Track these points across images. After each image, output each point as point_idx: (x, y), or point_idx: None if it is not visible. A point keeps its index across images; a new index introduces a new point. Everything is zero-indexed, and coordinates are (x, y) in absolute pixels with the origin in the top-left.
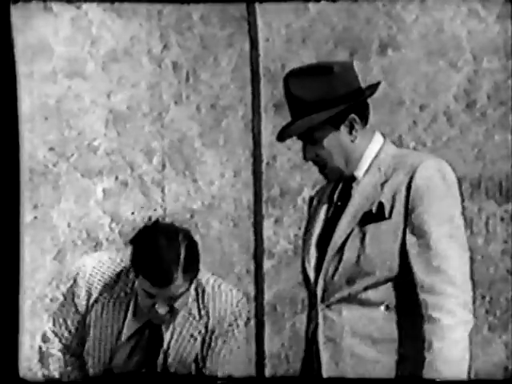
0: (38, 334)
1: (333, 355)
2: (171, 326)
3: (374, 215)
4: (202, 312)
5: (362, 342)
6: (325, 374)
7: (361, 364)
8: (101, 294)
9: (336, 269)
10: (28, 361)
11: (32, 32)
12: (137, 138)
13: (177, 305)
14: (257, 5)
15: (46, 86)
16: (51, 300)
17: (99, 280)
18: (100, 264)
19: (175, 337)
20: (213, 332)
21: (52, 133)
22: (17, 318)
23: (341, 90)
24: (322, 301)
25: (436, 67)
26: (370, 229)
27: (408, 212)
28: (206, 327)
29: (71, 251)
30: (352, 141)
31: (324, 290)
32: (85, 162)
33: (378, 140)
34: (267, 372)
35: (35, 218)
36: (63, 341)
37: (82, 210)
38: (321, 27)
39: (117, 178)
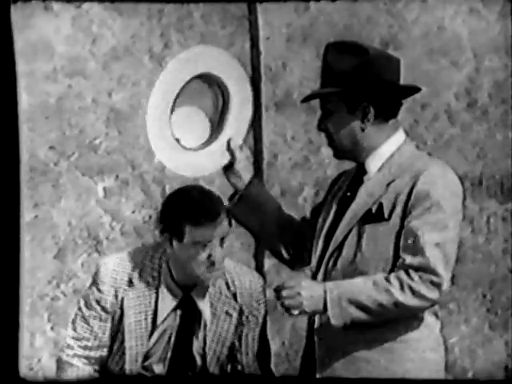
0: (39, 333)
1: (326, 352)
2: (206, 303)
3: (374, 215)
4: (232, 288)
5: (355, 341)
6: (318, 371)
7: (352, 363)
8: (129, 285)
9: (334, 265)
10: (28, 360)
11: (33, 31)
12: (137, 136)
13: (216, 258)
14: (258, 4)
15: (46, 84)
16: (52, 299)
17: (123, 272)
18: (120, 259)
19: (211, 316)
20: (243, 312)
21: (53, 131)
22: (17, 317)
23: (364, 75)
24: None
25: (437, 66)
26: (368, 229)
27: (405, 216)
28: (237, 307)
29: (72, 250)
30: (363, 129)
31: None
32: (85, 161)
33: (398, 137)
34: None
35: (36, 216)
36: (87, 345)
37: (83, 209)
38: (321, 26)
39: (117, 176)
